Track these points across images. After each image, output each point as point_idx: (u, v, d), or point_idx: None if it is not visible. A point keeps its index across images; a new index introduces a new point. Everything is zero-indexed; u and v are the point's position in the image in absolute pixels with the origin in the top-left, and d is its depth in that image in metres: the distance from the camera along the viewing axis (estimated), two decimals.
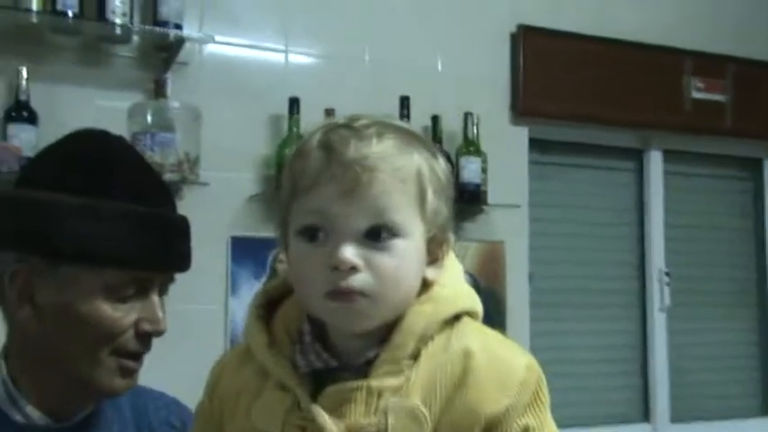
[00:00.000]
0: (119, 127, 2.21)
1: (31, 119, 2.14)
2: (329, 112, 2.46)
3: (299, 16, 2.58)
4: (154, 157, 2.13)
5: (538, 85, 2.82)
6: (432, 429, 0.77)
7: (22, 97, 2.14)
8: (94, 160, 1.01)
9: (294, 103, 2.44)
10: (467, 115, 2.65)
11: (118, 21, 2.16)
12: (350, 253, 0.77)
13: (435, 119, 2.64)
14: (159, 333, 1.01)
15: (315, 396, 0.80)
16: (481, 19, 2.81)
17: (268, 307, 0.87)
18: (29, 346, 1.00)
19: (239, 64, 2.50)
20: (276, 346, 0.84)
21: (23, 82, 2.14)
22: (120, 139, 1.08)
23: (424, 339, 0.80)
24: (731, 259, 3.28)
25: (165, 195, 1.05)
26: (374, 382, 0.78)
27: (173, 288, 2.48)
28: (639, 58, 2.97)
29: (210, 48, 2.43)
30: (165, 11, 2.24)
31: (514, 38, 2.84)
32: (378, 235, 0.78)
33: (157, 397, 1.15)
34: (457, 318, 0.82)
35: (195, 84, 2.39)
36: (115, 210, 0.97)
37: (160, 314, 1.01)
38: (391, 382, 0.78)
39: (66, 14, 2.12)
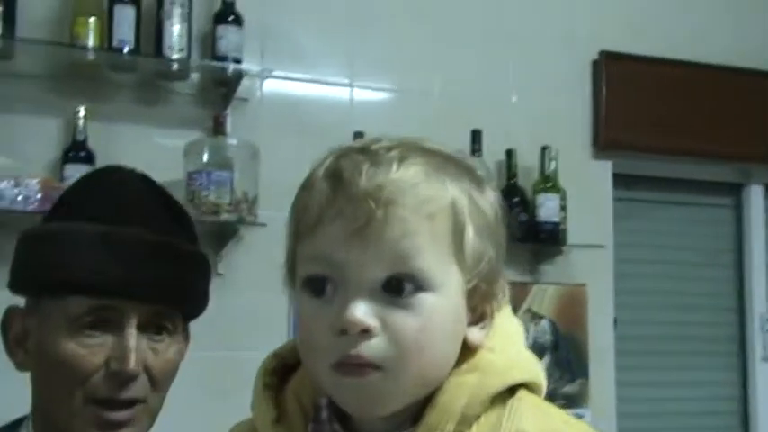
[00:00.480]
0: (175, 165, 2.15)
1: (88, 158, 2.09)
2: None
3: (363, 48, 2.47)
4: (209, 196, 2.04)
5: (621, 116, 2.63)
6: None
7: (80, 137, 2.09)
8: (86, 186, 0.94)
9: (358, 138, 2.31)
10: (544, 149, 2.48)
11: (175, 56, 2.09)
12: (361, 312, 0.61)
13: (510, 153, 2.47)
14: (127, 374, 0.86)
15: None
16: (559, 46, 2.64)
17: (281, 374, 0.72)
18: (34, 397, 0.92)
19: (301, 99, 2.40)
20: (286, 424, 0.69)
21: (81, 122, 2.08)
22: (135, 172, 0.98)
23: (467, 421, 0.63)
24: None
25: (177, 222, 0.94)
26: None
27: (233, 335, 2.36)
28: (732, 83, 2.75)
29: (271, 83, 2.34)
30: (224, 45, 2.16)
31: (596, 65, 2.66)
32: (398, 288, 0.62)
33: None
34: (511, 392, 0.65)
35: (255, 120, 2.30)
36: (72, 230, 0.87)
37: (129, 351, 0.85)
38: None
39: (122, 51, 2.07)
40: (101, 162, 2.11)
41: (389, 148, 0.64)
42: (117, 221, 0.89)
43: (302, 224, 0.65)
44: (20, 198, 1.90)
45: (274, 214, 2.24)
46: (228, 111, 2.24)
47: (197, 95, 2.26)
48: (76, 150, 2.08)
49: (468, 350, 0.66)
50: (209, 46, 2.20)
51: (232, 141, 2.13)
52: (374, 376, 0.61)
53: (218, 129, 2.18)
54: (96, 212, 0.89)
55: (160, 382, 0.90)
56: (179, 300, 0.92)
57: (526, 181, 2.49)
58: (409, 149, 0.65)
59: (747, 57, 2.77)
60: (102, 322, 0.87)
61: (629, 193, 2.77)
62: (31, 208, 1.92)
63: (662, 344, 2.77)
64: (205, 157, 2.10)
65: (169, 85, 2.23)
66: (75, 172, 2.05)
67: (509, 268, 0.71)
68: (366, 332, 0.61)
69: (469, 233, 0.64)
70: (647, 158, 2.71)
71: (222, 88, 2.23)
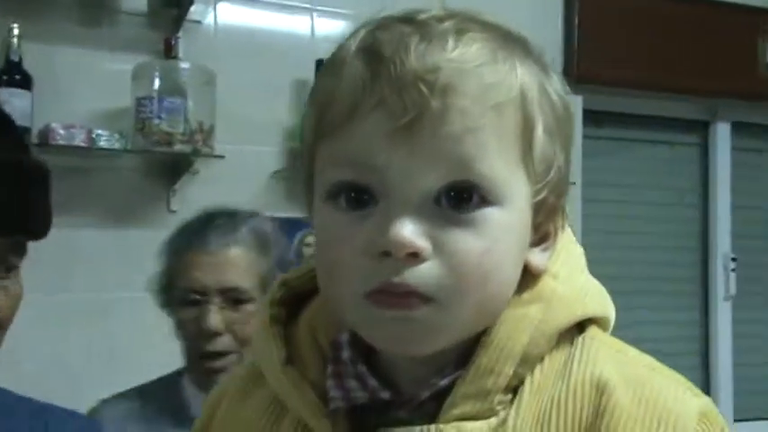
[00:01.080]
0: (121, 91, 1.98)
1: (25, 83, 1.91)
2: None
3: None
4: (161, 125, 1.88)
5: (594, 49, 2.54)
6: None
7: (14, 58, 1.90)
8: None
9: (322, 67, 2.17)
10: None
11: None
12: (409, 230, 0.48)
13: None
14: None
15: None
16: None
17: (290, 306, 0.59)
18: None
19: (259, 24, 2.24)
20: (298, 366, 0.56)
21: (15, 40, 1.90)
22: None
23: (529, 362, 0.52)
24: None
25: None
26: (448, 427, 0.50)
27: None
28: (708, 17, 2.68)
29: (226, 5, 2.17)
30: None
31: None
32: (458, 201, 0.49)
33: (65, 418, 0.96)
34: (580, 328, 0.54)
35: (209, 46, 2.14)
36: None
37: None
38: (476, 427, 0.50)
39: None
40: (39, 87, 1.93)
41: (441, 19, 0.51)
42: None
43: (327, 118, 0.51)
44: None
45: (232, 147, 2.11)
46: (180, 34, 2.07)
47: (146, 16, 2.08)
48: (10, 73, 1.90)
49: (527, 277, 0.54)
50: None
51: (185, 65, 1.97)
52: (422, 309, 0.49)
53: (168, 52, 2.02)
54: None
55: (8, 320, 0.84)
56: (19, 226, 0.82)
57: None
58: (466, 21, 0.51)
59: None
60: None
61: (599, 131, 2.71)
62: None
63: (627, 283, 2.74)
64: (156, 83, 1.93)
65: (115, 3, 2.04)
66: (11, 97, 1.88)
67: None
68: (414, 255, 0.49)
69: (539, 131, 0.52)
70: (617, 94, 2.64)
71: (173, 9, 2.06)
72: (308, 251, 2.19)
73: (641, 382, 0.52)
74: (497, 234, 0.50)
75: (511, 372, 0.51)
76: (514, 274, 0.53)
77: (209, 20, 2.16)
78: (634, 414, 0.50)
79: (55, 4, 2.00)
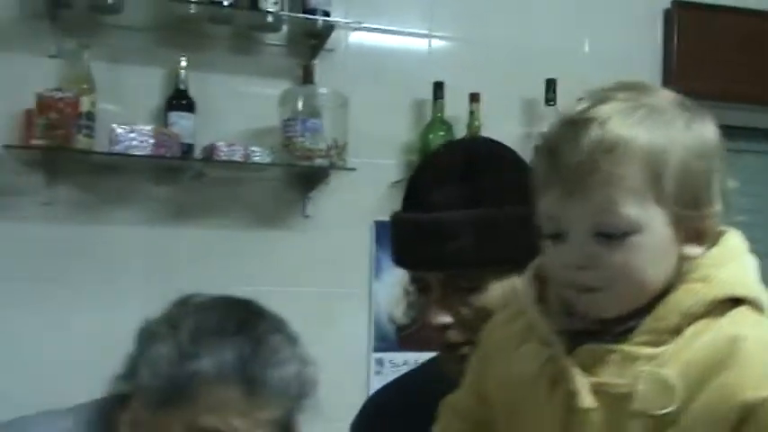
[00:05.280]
0: (270, 113, 2.29)
1: (189, 107, 2.23)
2: (474, 97, 2.43)
3: (442, 0, 2.56)
4: (304, 143, 2.17)
5: (691, 65, 2.67)
6: (682, 405, 0.73)
7: (181, 86, 2.23)
8: None
9: (438, 88, 2.42)
10: None
11: (270, 9, 2.21)
12: (576, 254, 0.77)
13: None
14: None
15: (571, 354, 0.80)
16: None
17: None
18: None
19: (384, 49, 2.50)
20: (544, 305, 0.85)
21: (182, 72, 2.22)
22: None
23: (690, 317, 0.76)
24: None
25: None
26: (630, 348, 0.77)
27: (317, 271, 2.49)
28: None
29: (356, 34, 2.44)
30: None
31: (668, 14, 2.70)
32: (607, 235, 0.75)
33: None
34: (734, 305, 0.77)
35: (341, 70, 2.41)
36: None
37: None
38: (647, 350, 0.76)
39: (221, 4, 2.19)
40: (200, 110, 2.25)
41: (587, 114, 0.76)
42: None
43: (536, 185, 0.80)
44: (134, 143, 2.05)
45: (360, 160, 2.37)
46: (317, 61, 2.36)
47: (288, 47, 2.38)
48: (179, 98, 2.22)
49: (696, 262, 0.78)
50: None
51: (323, 90, 2.26)
52: (596, 294, 0.77)
53: (307, 78, 2.30)
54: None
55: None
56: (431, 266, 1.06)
57: None
58: (611, 107, 0.76)
59: None
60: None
61: None
62: (143, 152, 2.08)
63: None
64: (299, 106, 2.23)
65: (262, 36, 2.35)
66: (179, 119, 2.21)
67: None
68: (583, 268, 0.77)
69: (669, 173, 0.74)
70: (716, 107, 2.72)
71: (312, 40, 2.35)
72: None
73: None
74: (635, 251, 0.75)
75: (676, 321, 0.76)
76: (661, 268, 0.77)
77: (341, 47, 2.42)
78: (756, 355, 0.72)
79: (213, 39, 2.32)
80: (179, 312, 1.08)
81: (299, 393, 1.07)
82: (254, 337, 1.05)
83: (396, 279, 2.44)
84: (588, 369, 0.78)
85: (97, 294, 2.21)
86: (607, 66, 2.62)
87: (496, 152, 1.11)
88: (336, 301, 2.41)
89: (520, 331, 0.86)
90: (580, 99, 0.79)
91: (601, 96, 0.77)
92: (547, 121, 2.79)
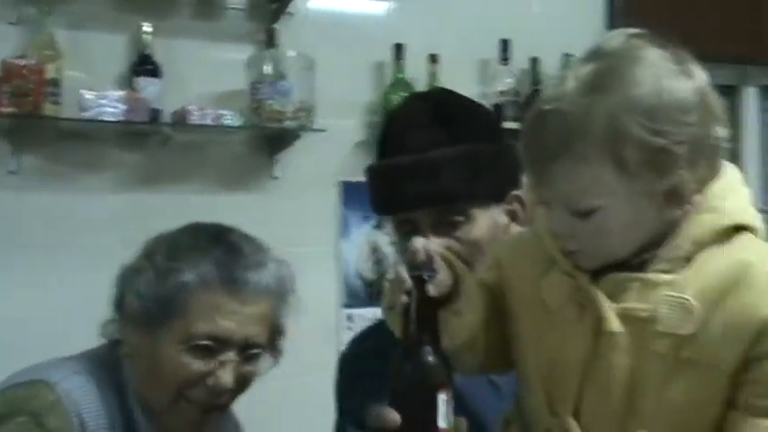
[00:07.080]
0: (234, 77, 2.31)
1: (155, 72, 2.23)
2: (433, 58, 2.51)
3: None
4: (273, 105, 2.21)
5: (638, 22, 2.75)
6: (701, 324, 0.82)
7: (147, 51, 2.23)
8: None
9: (398, 49, 2.49)
10: (566, 56, 2.66)
11: None
12: (556, 225, 0.88)
13: (534, 61, 2.66)
14: None
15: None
16: None
17: None
18: None
19: (343, 13, 2.54)
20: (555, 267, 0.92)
21: (147, 36, 2.22)
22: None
23: (701, 245, 0.84)
24: None
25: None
26: (650, 276, 0.85)
27: (285, 231, 2.55)
28: None
29: None
30: None
31: None
32: (578, 214, 0.85)
33: None
34: (737, 232, 0.85)
35: (303, 34, 2.44)
36: None
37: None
38: (666, 277, 0.84)
39: None
40: (167, 76, 2.25)
41: (546, 102, 0.85)
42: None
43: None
44: (105, 109, 2.06)
45: (325, 121, 2.42)
46: (278, 25, 2.39)
47: (249, 11, 2.40)
48: (144, 64, 2.23)
49: (705, 202, 0.85)
50: None
51: (291, 53, 2.29)
52: (583, 254, 0.88)
53: (270, 42, 2.34)
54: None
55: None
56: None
57: None
58: (566, 92, 0.84)
59: None
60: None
61: None
62: (115, 119, 2.08)
63: None
64: (266, 69, 2.26)
65: (224, 0, 2.36)
66: (146, 84, 2.21)
67: None
68: (562, 236, 0.88)
69: (630, 149, 0.81)
70: None
71: (273, 3, 2.38)
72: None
73: None
74: (602, 222, 0.84)
75: (689, 249, 0.84)
76: (635, 233, 0.85)
77: (300, 11, 2.45)
78: (765, 276, 0.82)
79: (176, 2, 2.32)
80: (151, 244, 1.16)
81: (280, 289, 1.15)
82: (227, 246, 1.13)
83: (363, 237, 2.53)
84: (612, 297, 0.85)
85: (67, 261, 2.22)
86: (557, 25, 2.73)
87: (462, 99, 1.23)
88: (305, 261, 2.43)
89: (543, 260, 0.93)
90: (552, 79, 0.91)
91: (561, 78, 0.86)
92: (501, 79, 2.86)
